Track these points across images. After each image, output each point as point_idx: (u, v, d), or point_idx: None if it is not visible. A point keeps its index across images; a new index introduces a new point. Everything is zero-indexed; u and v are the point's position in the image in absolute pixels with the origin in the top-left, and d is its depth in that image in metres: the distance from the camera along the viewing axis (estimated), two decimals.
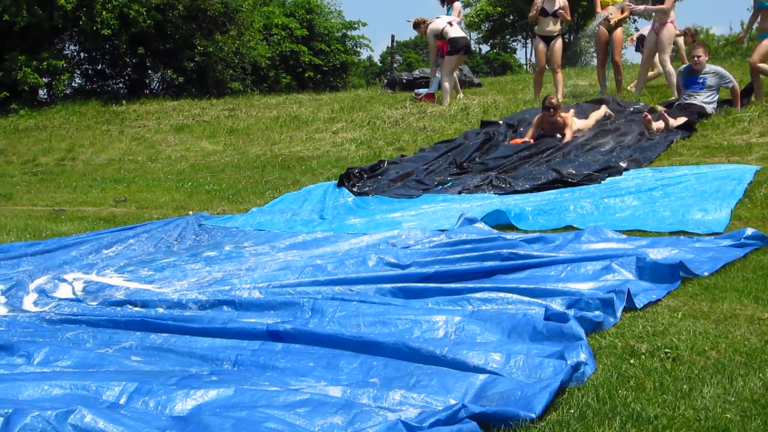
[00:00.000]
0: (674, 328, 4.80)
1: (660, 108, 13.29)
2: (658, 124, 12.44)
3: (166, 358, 4.73)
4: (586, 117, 13.35)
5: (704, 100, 13.10)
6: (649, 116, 12.58)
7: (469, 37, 18.07)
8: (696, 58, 13.09)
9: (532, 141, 12.56)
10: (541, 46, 16.11)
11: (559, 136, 12.57)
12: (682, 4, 51.88)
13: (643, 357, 4.35)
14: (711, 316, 5.03)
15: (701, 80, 13.14)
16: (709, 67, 13.17)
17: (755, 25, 14.13)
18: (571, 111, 13.32)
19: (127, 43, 26.31)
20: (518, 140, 12.79)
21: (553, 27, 16.03)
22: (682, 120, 12.60)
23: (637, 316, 5.10)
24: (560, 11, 15.76)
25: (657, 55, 15.15)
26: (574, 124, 12.73)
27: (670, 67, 14.96)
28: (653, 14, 15.00)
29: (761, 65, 13.33)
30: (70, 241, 8.67)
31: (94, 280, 7.03)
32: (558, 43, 16.23)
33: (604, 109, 13.60)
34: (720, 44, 46.86)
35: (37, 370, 4.52)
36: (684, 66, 13.71)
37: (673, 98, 14.33)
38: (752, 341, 4.52)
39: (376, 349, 4.55)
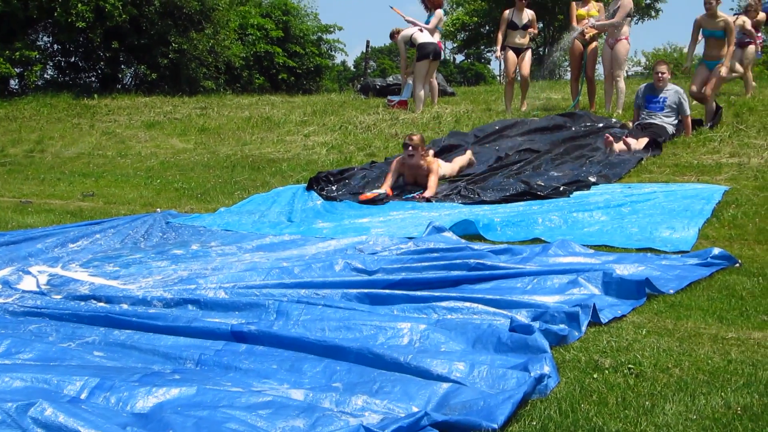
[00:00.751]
0: (638, 344, 4.82)
1: (630, 124, 13.35)
2: (620, 146, 12.14)
3: (129, 355, 4.70)
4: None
5: (664, 120, 12.93)
6: (611, 138, 12.29)
7: (441, 45, 18.06)
8: (659, 75, 12.97)
9: (390, 193, 10.59)
10: (512, 56, 16.28)
11: (424, 189, 10.51)
12: (657, 22, 52.14)
13: (607, 372, 4.36)
14: (675, 333, 5.05)
15: (662, 99, 12.98)
16: (670, 86, 13.08)
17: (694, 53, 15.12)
18: (431, 152, 11.38)
19: (102, 37, 26.23)
20: (369, 195, 10.44)
21: (522, 40, 16.31)
22: (644, 141, 12.37)
23: (602, 331, 5.11)
24: (530, 29, 16.24)
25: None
26: (440, 169, 10.97)
27: (622, 85, 15.10)
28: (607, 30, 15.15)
29: (712, 92, 13.86)
30: (36, 233, 8.61)
31: (59, 274, 6.98)
32: (528, 55, 16.48)
33: (468, 155, 12.21)
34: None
35: None
36: (645, 84, 13.53)
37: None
38: (715, 360, 4.54)
39: (340, 353, 4.55)
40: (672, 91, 12.97)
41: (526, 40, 16.41)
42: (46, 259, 7.51)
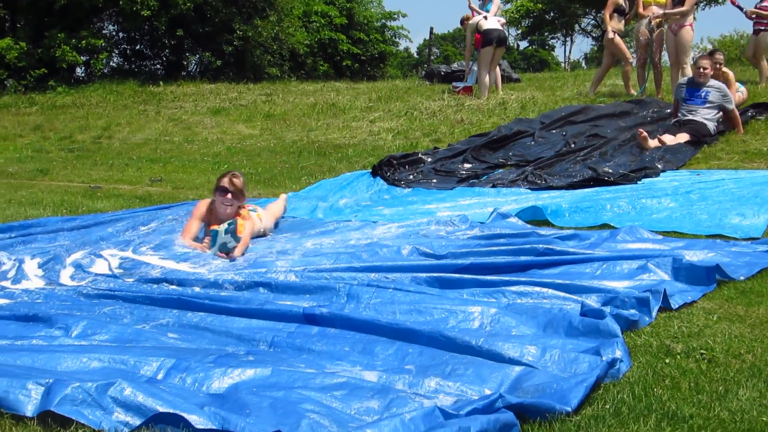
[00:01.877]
0: (710, 330, 4.79)
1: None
2: (654, 143, 11.70)
3: (203, 337, 4.76)
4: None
5: (705, 116, 12.20)
6: (645, 133, 11.79)
7: (505, 31, 17.97)
8: (701, 70, 12.32)
9: (202, 248, 7.51)
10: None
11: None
12: (724, 8, 51.40)
13: (679, 357, 4.34)
14: (747, 320, 5.01)
15: (703, 94, 12.27)
16: (713, 82, 12.39)
17: None
18: (249, 207, 8.34)
19: (167, 25, 26.45)
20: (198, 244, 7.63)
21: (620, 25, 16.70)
22: (684, 137, 11.90)
23: (673, 317, 5.08)
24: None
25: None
26: (258, 223, 8.22)
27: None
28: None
29: None
30: (106, 217, 8.73)
31: (130, 257, 7.06)
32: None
33: (282, 200, 9.42)
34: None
35: (75, 343, 4.56)
36: (686, 77, 12.96)
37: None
38: None
39: (411, 336, 4.58)
40: (714, 88, 12.30)
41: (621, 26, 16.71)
42: (117, 243, 7.59)
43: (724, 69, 13.56)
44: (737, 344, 4.54)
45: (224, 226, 7.29)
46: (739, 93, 13.66)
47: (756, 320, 5.01)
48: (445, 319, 4.88)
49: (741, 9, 16.82)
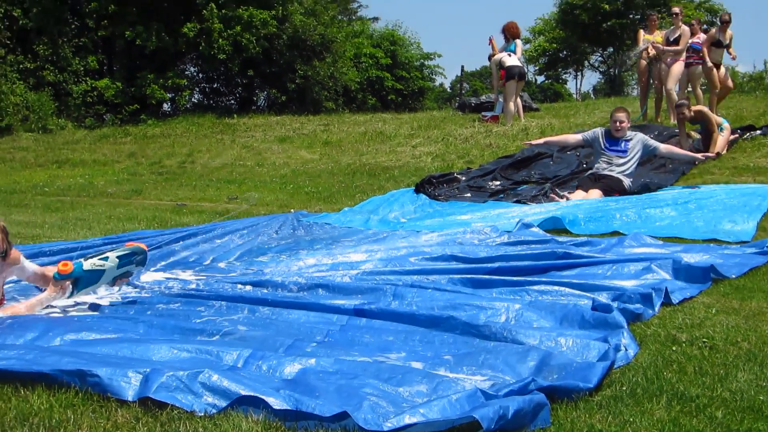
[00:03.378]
0: (710, 321, 4.74)
1: (695, 135, 12.96)
2: (562, 200, 9.97)
3: (269, 329, 4.73)
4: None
5: (622, 170, 10.37)
6: (554, 193, 10.40)
7: (524, 67, 17.92)
8: (617, 124, 10.50)
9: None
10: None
11: None
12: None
13: (684, 345, 4.30)
14: (741, 312, 4.97)
15: (623, 144, 10.49)
16: (631, 134, 10.65)
17: None
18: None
19: (239, 66, 26.67)
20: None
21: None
22: (596, 194, 10.03)
23: (677, 311, 5.05)
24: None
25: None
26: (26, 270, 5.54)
27: (674, 96, 14.74)
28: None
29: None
30: (190, 230, 8.72)
31: (209, 264, 7.11)
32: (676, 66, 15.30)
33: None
34: (744, 80, 46.17)
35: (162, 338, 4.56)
36: (605, 128, 10.94)
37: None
38: None
39: (447, 327, 4.59)
40: (634, 139, 10.56)
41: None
42: (198, 252, 7.61)
43: (702, 109, 12.55)
44: (734, 333, 4.50)
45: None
46: (722, 135, 12.41)
47: (749, 312, 4.97)
48: (476, 314, 4.85)
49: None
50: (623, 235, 7.67)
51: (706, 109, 12.73)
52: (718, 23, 15.77)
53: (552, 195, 10.31)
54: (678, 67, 14.92)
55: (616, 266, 6.19)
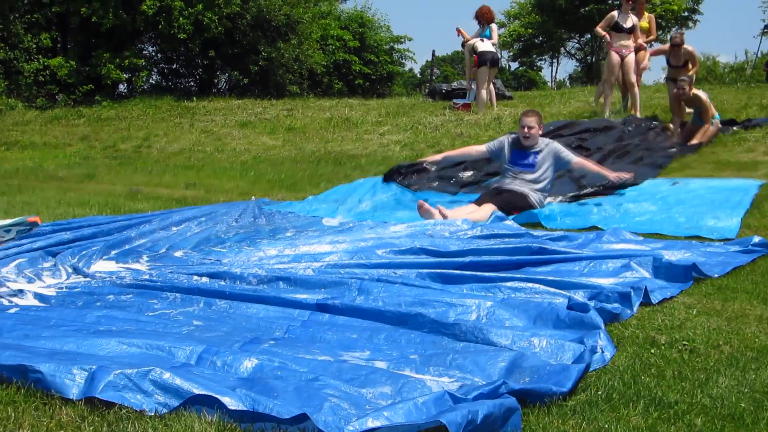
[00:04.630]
0: (690, 323, 4.69)
1: (671, 126, 13.00)
2: (437, 214, 8.33)
3: (226, 323, 4.67)
4: None
5: (531, 185, 9.13)
6: (426, 204, 8.50)
7: (498, 53, 17.93)
8: (525, 130, 9.20)
9: None
10: (615, 58, 15.29)
11: None
12: (691, 33, 51.26)
13: (663, 347, 4.24)
14: (723, 314, 4.91)
15: (531, 158, 9.24)
16: (542, 142, 9.37)
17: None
18: None
19: (200, 47, 26.54)
20: None
21: (626, 42, 15.21)
22: (485, 211, 8.47)
23: (656, 311, 4.99)
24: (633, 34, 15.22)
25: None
26: None
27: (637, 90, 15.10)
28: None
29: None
30: (144, 216, 8.63)
31: (164, 253, 7.02)
32: (630, 57, 15.28)
33: None
34: (725, 71, 46.44)
35: (114, 329, 4.48)
36: (512, 136, 9.60)
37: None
38: (761, 339, 4.40)
39: (414, 325, 4.52)
40: (545, 150, 9.28)
41: (629, 42, 15.22)
42: (153, 240, 7.52)
43: (701, 96, 12.64)
44: (716, 336, 4.44)
45: None
46: (713, 126, 12.63)
47: (732, 314, 4.92)
48: (446, 312, 4.77)
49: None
50: (601, 230, 7.63)
51: (706, 96, 12.79)
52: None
53: (425, 209, 8.48)
54: (643, 61, 15.37)
55: (594, 263, 6.12)
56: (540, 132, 9.40)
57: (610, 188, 9.62)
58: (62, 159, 16.34)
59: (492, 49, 17.27)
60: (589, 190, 9.79)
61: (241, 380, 3.57)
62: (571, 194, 9.75)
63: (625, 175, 9.49)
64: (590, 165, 9.64)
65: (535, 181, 9.15)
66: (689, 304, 5.14)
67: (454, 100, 19.19)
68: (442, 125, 16.78)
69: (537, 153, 9.25)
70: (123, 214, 9.07)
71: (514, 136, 9.58)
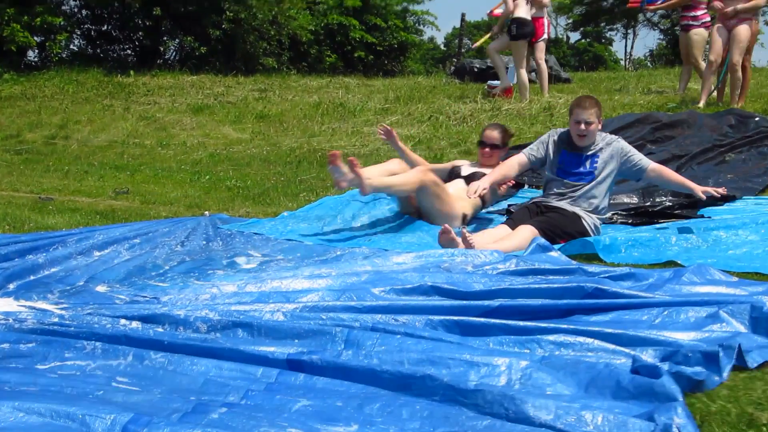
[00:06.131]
0: None
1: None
2: (459, 242, 8.38)
3: (161, 384, 4.72)
4: None
5: (584, 204, 9.09)
6: (449, 231, 8.41)
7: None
8: (580, 127, 9.02)
9: None
10: (721, 32, 15.68)
11: None
12: None
13: (765, 430, 4.24)
14: None
15: (588, 162, 9.13)
16: (601, 138, 9.25)
17: None
18: None
19: (141, 2, 26.50)
20: None
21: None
22: (523, 235, 8.53)
23: (755, 378, 4.98)
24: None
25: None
26: None
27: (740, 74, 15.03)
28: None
29: None
30: (56, 236, 8.66)
31: (81, 288, 7.04)
32: (742, 29, 15.58)
33: None
34: None
35: (6, 389, 4.51)
36: (560, 131, 9.55)
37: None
38: None
39: (421, 391, 4.56)
40: (607, 151, 9.16)
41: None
42: (68, 269, 7.56)
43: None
44: None
45: None
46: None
47: None
48: (465, 372, 4.80)
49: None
50: (681, 266, 7.61)
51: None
52: None
53: (449, 238, 8.46)
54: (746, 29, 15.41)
55: (669, 311, 6.13)
56: (599, 127, 9.19)
57: (691, 206, 9.62)
58: None
59: (528, 16, 17.34)
60: (659, 202, 9.82)
61: None
62: (631, 208, 9.78)
63: (717, 192, 9.28)
64: (671, 175, 9.39)
65: (593, 196, 9.07)
66: None
67: (489, 82, 19.30)
68: (471, 116, 16.86)
69: (595, 156, 9.13)
70: (27, 232, 9.11)
71: (561, 131, 9.47)
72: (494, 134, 9.96)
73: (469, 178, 9.93)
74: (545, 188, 9.56)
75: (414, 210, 9.99)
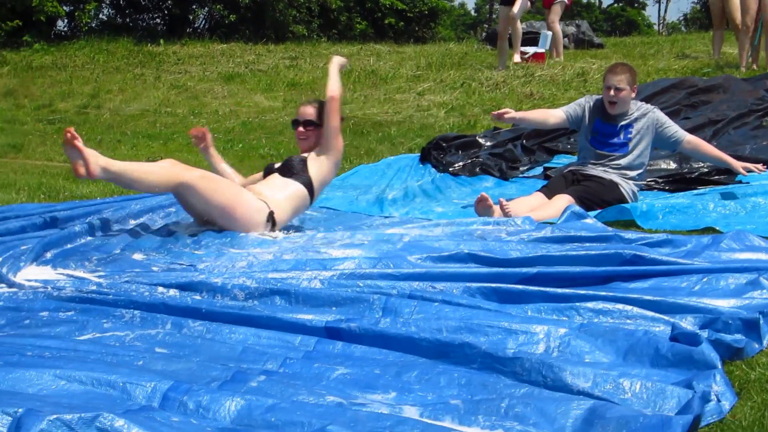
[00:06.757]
0: None
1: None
2: (499, 212, 8.42)
3: (200, 352, 4.74)
4: None
5: (622, 171, 9.04)
6: (487, 198, 8.49)
7: None
8: (610, 92, 8.95)
9: None
10: None
11: None
12: None
13: None
14: None
15: (622, 133, 9.06)
16: (635, 107, 9.19)
17: None
18: None
19: None
20: None
21: None
22: (560, 204, 8.46)
23: None
24: None
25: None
26: None
27: None
28: None
29: None
30: (91, 206, 8.67)
31: (118, 255, 7.05)
32: None
33: None
34: None
35: (47, 355, 4.53)
36: (595, 98, 9.50)
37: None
38: None
39: (459, 359, 4.57)
40: (642, 121, 9.09)
41: None
42: (103, 238, 7.56)
43: None
44: None
45: None
46: None
47: None
48: (503, 340, 4.80)
49: None
50: (720, 233, 7.57)
51: None
52: None
53: (485, 206, 8.49)
54: None
55: (709, 278, 6.09)
56: (633, 95, 9.08)
57: (728, 172, 9.55)
58: None
59: None
60: (696, 168, 9.79)
61: (221, 430, 3.62)
62: (669, 174, 9.75)
63: (758, 169, 9.18)
64: (707, 148, 9.31)
65: (628, 167, 8.99)
66: None
67: (522, 49, 19.22)
68: (504, 82, 16.84)
69: (630, 126, 9.04)
70: (62, 201, 9.13)
71: (597, 98, 9.36)
72: (308, 110, 8.38)
73: (285, 166, 8.42)
74: (579, 155, 9.53)
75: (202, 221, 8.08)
